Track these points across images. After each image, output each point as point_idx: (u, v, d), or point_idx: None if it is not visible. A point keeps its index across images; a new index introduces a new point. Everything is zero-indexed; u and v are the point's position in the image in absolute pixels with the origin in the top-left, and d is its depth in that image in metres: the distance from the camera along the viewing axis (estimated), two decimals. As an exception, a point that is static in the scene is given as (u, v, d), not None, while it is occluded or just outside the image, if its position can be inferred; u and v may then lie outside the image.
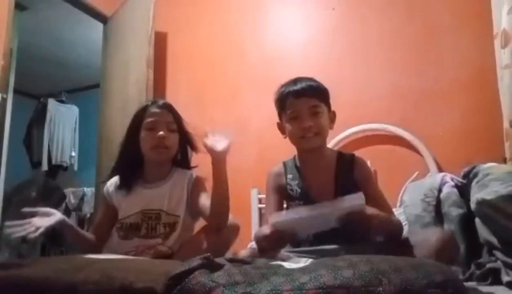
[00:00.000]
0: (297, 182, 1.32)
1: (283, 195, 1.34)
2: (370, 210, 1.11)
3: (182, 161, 1.51)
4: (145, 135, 1.41)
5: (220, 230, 1.27)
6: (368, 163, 1.38)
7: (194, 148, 1.51)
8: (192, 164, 1.54)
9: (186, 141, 1.50)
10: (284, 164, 1.38)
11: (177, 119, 1.47)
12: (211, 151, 1.19)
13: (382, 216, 1.14)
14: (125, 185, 1.44)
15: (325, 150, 1.35)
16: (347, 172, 1.29)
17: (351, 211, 1.05)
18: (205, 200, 1.35)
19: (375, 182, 1.31)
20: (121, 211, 1.42)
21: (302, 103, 1.26)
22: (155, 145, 1.38)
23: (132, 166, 1.46)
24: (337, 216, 1.06)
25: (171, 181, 1.44)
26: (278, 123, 1.38)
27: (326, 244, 1.21)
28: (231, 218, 1.34)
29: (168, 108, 1.46)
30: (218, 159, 1.20)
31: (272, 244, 1.11)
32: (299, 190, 1.31)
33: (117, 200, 1.45)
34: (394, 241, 1.18)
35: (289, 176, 1.34)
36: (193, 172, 1.49)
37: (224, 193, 1.24)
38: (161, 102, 1.48)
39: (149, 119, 1.41)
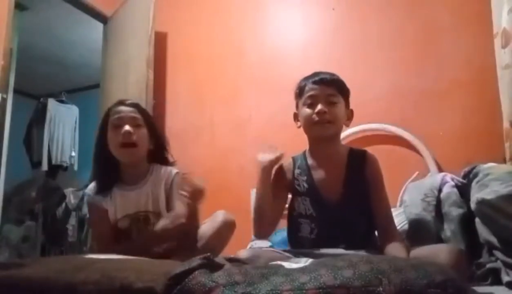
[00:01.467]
0: (305, 178, 1.31)
1: (287, 191, 1.34)
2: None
3: (159, 157, 1.47)
4: (111, 134, 1.36)
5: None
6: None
7: (164, 147, 1.48)
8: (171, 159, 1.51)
9: (157, 138, 1.46)
10: (293, 159, 1.38)
11: (145, 115, 1.42)
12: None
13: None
14: (103, 190, 1.39)
15: (337, 144, 1.34)
16: (358, 169, 1.28)
17: None
18: (178, 206, 1.34)
19: (383, 184, 1.29)
20: (110, 215, 1.38)
21: (320, 89, 1.27)
22: (123, 143, 1.33)
23: (107, 170, 1.41)
24: None
25: (151, 180, 1.40)
26: (294, 113, 1.38)
27: (328, 244, 1.21)
28: (227, 214, 1.34)
29: (133, 105, 1.42)
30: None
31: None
32: (306, 186, 1.30)
33: (105, 202, 1.39)
34: None
35: (297, 171, 1.33)
36: (173, 169, 1.45)
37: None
38: (126, 101, 1.45)
39: (114, 117, 1.38)
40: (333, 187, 1.27)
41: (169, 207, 1.39)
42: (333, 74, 1.33)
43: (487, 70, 1.90)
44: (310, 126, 1.29)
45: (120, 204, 1.38)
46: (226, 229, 1.32)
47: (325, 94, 1.27)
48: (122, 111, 1.38)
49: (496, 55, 1.79)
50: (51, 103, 4.41)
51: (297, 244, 1.31)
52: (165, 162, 1.48)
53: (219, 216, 1.34)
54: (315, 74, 1.32)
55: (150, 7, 2.70)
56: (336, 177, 1.28)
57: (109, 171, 1.41)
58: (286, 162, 1.37)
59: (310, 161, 1.34)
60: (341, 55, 2.41)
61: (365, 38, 2.38)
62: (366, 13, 2.40)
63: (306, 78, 1.33)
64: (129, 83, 2.74)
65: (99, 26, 3.13)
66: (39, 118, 4.33)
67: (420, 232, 1.50)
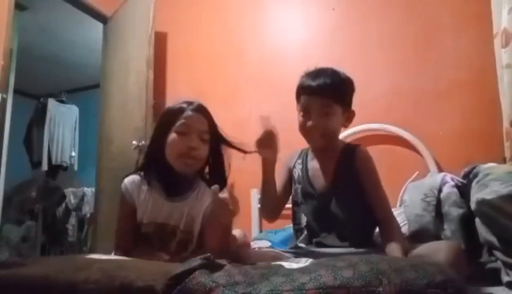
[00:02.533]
0: (301, 167, 1.37)
1: (290, 177, 1.41)
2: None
3: (213, 174, 1.33)
4: (174, 139, 1.24)
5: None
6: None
7: (240, 150, 1.36)
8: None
9: (218, 151, 1.34)
10: (301, 151, 1.44)
11: (212, 126, 1.32)
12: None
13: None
14: (148, 185, 1.28)
15: (334, 145, 1.35)
16: (348, 161, 1.29)
17: None
18: (212, 235, 1.22)
19: (376, 178, 1.27)
20: (137, 215, 1.28)
21: (314, 100, 1.26)
22: (183, 154, 1.23)
23: (156, 167, 1.30)
24: None
25: (193, 197, 1.28)
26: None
27: (317, 233, 1.26)
28: (242, 235, 1.32)
29: (204, 114, 1.30)
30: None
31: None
32: (300, 174, 1.36)
33: (137, 201, 1.28)
34: None
35: (299, 161, 1.40)
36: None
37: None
38: (197, 103, 1.31)
39: (182, 121, 1.25)
40: (323, 178, 1.31)
41: (201, 230, 1.28)
42: (331, 77, 1.27)
43: (487, 70, 1.90)
44: (303, 135, 1.32)
45: (151, 209, 1.27)
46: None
47: (319, 105, 1.25)
48: (193, 119, 1.26)
49: (496, 55, 1.79)
50: (51, 103, 4.42)
51: (296, 233, 1.38)
52: (220, 179, 1.31)
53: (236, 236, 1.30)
54: (314, 76, 1.28)
55: (150, 7, 2.70)
56: (327, 169, 1.31)
57: (158, 170, 1.30)
58: (294, 152, 1.45)
59: (310, 154, 1.40)
60: (341, 55, 2.41)
61: (365, 38, 2.38)
62: (366, 13, 2.40)
63: (306, 77, 1.30)
64: (129, 83, 2.74)
65: (99, 26, 3.13)
66: (39, 118, 4.34)
67: (420, 232, 1.50)
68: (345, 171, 1.28)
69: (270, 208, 1.38)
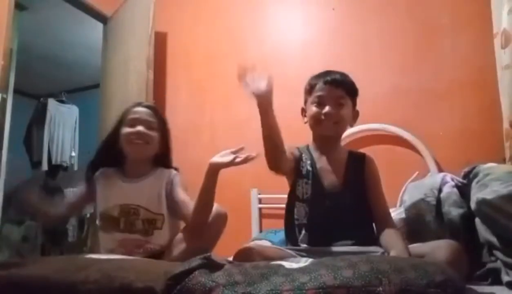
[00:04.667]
0: (309, 162, 1.37)
1: (291, 158, 1.34)
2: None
3: (164, 162, 1.52)
4: (125, 130, 1.44)
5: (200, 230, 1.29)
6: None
7: (169, 154, 1.53)
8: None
9: (167, 144, 1.52)
10: (298, 148, 1.42)
11: (160, 120, 1.49)
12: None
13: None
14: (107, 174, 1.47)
15: (338, 144, 1.41)
16: (358, 169, 1.35)
17: None
18: (183, 196, 1.38)
19: (380, 183, 1.36)
20: (101, 203, 1.44)
21: (330, 90, 1.32)
22: (132, 138, 1.41)
23: (111, 160, 1.49)
24: None
25: (151, 179, 1.45)
26: (302, 108, 1.43)
27: (319, 230, 1.26)
28: (218, 206, 1.34)
29: (151, 109, 1.49)
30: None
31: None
32: (310, 169, 1.35)
33: (98, 189, 1.47)
34: None
35: (304, 155, 1.39)
36: (174, 171, 1.50)
37: (210, 201, 1.27)
38: (146, 103, 1.54)
39: (131, 116, 1.45)
40: (334, 177, 1.33)
41: (171, 207, 1.40)
42: (344, 75, 1.37)
43: (487, 70, 1.90)
44: (316, 124, 1.34)
45: (114, 193, 1.43)
46: (219, 222, 1.32)
47: (334, 96, 1.32)
48: (138, 112, 1.46)
49: (496, 56, 1.79)
50: (51, 103, 4.41)
51: (291, 230, 1.33)
52: (169, 166, 1.53)
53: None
54: (327, 73, 1.36)
55: (150, 7, 2.70)
56: (337, 169, 1.34)
57: (114, 162, 1.49)
58: (291, 148, 1.40)
59: (314, 153, 1.40)
60: (341, 55, 2.41)
61: (365, 38, 2.38)
62: (366, 13, 2.40)
63: (318, 76, 1.37)
64: (129, 83, 2.74)
65: (99, 26, 3.13)
66: (39, 118, 4.33)
67: (420, 232, 1.50)
68: (355, 176, 1.33)
69: (274, 156, 1.19)
